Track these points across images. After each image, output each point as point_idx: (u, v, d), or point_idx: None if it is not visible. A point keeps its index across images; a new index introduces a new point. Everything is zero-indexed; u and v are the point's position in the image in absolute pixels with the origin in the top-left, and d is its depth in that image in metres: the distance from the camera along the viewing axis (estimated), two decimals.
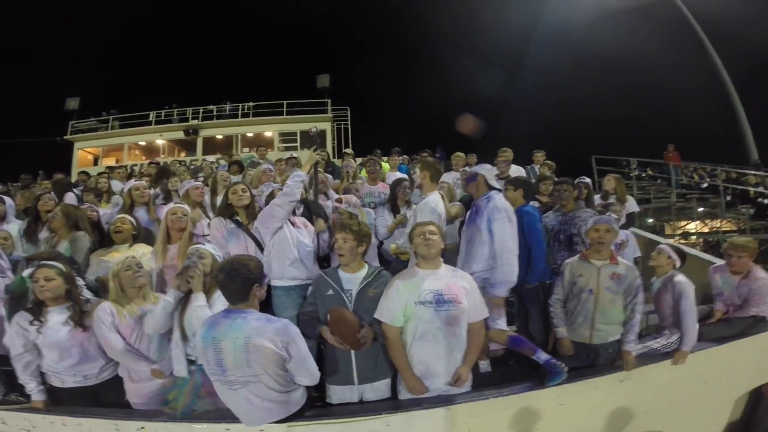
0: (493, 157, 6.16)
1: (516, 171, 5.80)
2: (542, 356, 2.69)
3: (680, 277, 3.04)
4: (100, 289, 2.86)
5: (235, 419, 2.18)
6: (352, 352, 2.39)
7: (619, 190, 5.05)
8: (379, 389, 2.47)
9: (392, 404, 2.41)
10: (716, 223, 11.42)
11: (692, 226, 12.71)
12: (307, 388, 2.28)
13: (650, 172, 12.43)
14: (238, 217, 3.15)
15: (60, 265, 2.44)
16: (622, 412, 2.68)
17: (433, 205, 3.32)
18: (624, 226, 4.67)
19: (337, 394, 2.45)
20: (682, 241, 12.08)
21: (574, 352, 2.89)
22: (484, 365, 3.38)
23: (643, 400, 2.75)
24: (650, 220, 11.25)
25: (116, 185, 5.57)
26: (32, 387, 2.41)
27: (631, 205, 5.00)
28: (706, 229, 12.19)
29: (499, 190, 3.22)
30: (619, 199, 4.92)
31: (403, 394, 2.45)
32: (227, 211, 3.17)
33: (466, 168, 5.80)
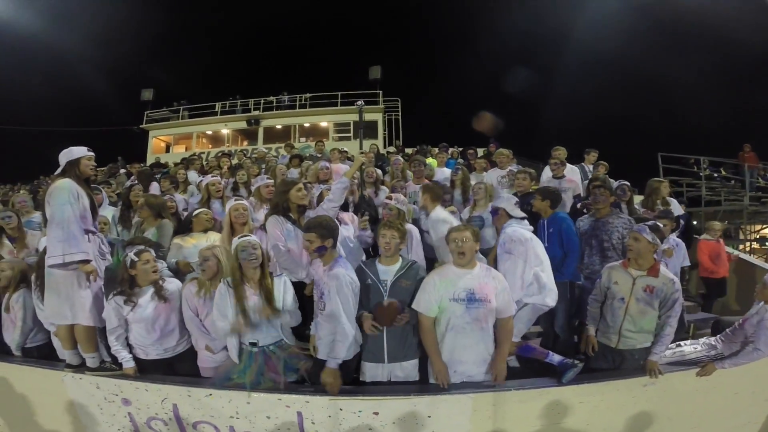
0: (545, 153, 6.09)
1: (570, 171, 5.72)
2: (555, 358, 2.85)
3: None
4: (179, 271, 3.38)
5: (285, 391, 2.62)
6: (384, 333, 2.70)
7: (663, 196, 4.88)
8: (407, 369, 2.75)
9: (421, 387, 2.69)
10: None
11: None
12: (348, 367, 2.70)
13: (723, 173, 11.47)
14: (291, 214, 3.29)
15: (153, 251, 2.96)
16: (643, 416, 2.77)
17: (436, 216, 3.68)
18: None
19: (369, 370, 2.77)
20: (756, 245, 11.15)
21: (601, 354, 3.00)
22: (511, 360, 3.56)
23: (666, 405, 2.81)
24: (724, 222, 10.50)
25: (192, 176, 6.24)
26: (124, 356, 2.90)
27: (676, 209, 4.79)
28: None
29: (522, 218, 3.33)
30: (663, 204, 4.74)
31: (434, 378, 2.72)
32: (281, 206, 3.28)
33: (512, 168, 5.82)
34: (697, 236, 5.63)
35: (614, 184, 4.76)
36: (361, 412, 2.56)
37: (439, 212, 3.79)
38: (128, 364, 2.89)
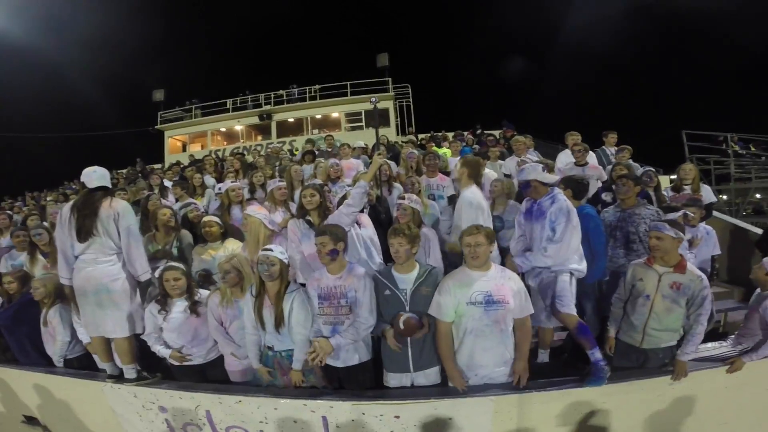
0: (561, 133, 5.85)
1: (590, 157, 5.50)
2: (596, 354, 2.73)
3: None
4: (201, 282, 3.47)
5: (311, 396, 2.71)
6: (409, 343, 2.72)
7: (695, 179, 4.62)
8: (430, 375, 2.79)
9: (442, 390, 2.72)
10: None
11: None
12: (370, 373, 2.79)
13: (753, 149, 11.00)
14: (309, 218, 3.37)
15: (182, 266, 3.07)
16: (669, 414, 2.74)
17: (470, 198, 3.39)
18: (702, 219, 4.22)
19: (395, 379, 2.80)
20: None
21: (624, 353, 2.94)
22: (543, 355, 3.49)
23: (694, 403, 2.77)
24: (758, 195, 10.15)
25: (208, 180, 6.33)
26: (160, 349, 3.06)
27: (708, 195, 4.54)
28: None
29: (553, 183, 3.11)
30: (694, 189, 4.51)
31: None
32: (301, 211, 3.46)
33: (530, 155, 5.68)
34: None
35: (638, 170, 4.55)
36: (383, 416, 2.62)
37: (474, 191, 3.45)
38: (165, 353, 3.05)
